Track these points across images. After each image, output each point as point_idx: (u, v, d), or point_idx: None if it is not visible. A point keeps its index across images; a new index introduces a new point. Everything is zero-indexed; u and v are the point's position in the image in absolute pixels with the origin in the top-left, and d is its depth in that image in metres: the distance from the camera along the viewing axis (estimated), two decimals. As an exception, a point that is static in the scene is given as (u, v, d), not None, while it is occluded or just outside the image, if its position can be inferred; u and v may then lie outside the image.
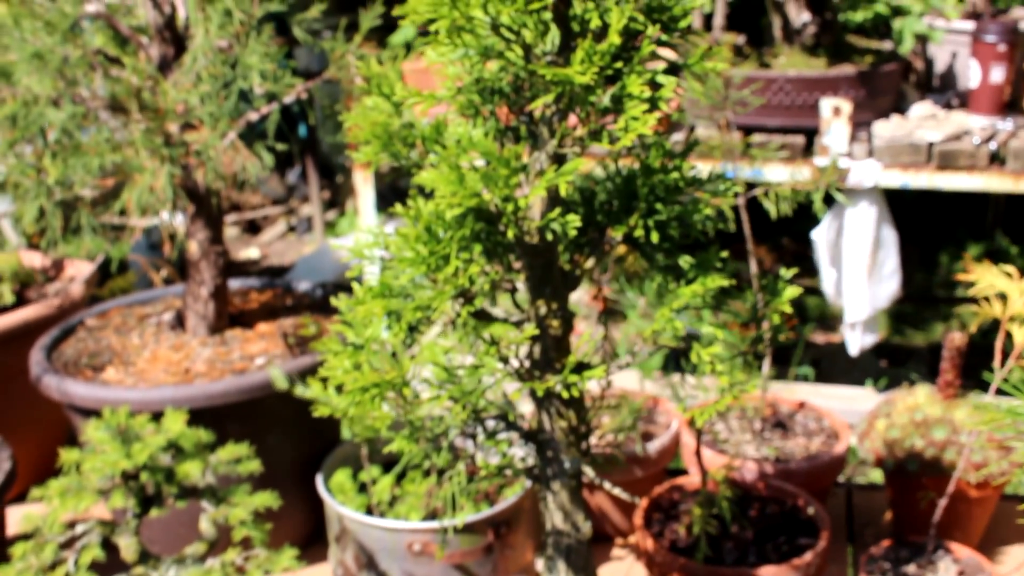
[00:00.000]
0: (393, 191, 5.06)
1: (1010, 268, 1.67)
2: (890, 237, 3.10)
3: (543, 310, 1.20)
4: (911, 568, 1.67)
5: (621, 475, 1.94)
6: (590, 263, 1.22)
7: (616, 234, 1.16)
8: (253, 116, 1.94)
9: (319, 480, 1.87)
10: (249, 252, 5.20)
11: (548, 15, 1.06)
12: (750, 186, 1.93)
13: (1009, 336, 1.65)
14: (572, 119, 1.08)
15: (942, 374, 1.86)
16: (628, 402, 2.00)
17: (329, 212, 5.41)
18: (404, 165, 1.17)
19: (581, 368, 1.18)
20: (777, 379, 3.54)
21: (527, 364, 1.22)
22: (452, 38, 1.03)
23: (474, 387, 1.15)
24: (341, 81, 1.87)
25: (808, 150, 3.13)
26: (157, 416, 1.61)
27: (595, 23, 0.99)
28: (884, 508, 2.09)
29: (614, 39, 0.95)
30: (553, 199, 1.14)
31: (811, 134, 3.12)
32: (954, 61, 3.36)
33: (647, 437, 2.03)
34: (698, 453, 1.67)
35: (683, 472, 2.15)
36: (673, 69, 1.06)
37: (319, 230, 5.19)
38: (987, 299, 1.67)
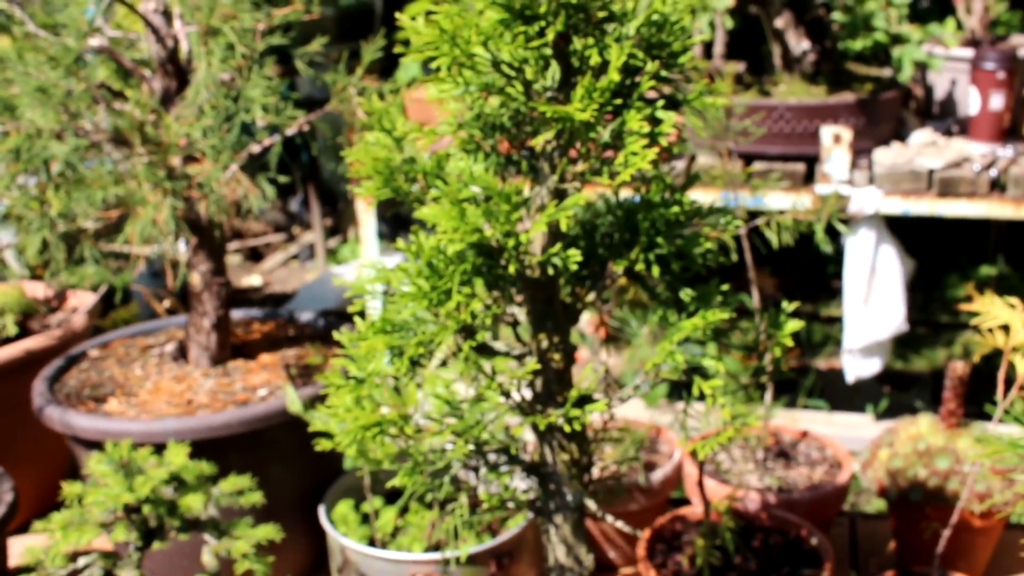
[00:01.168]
0: (396, 219, 5.07)
1: (1014, 299, 1.68)
2: (893, 266, 3.10)
3: (545, 343, 1.20)
4: (915, 599, 1.67)
5: (624, 505, 1.94)
6: (591, 296, 1.22)
7: (617, 268, 1.16)
8: (255, 148, 1.95)
9: (321, 511, 1.87)
10: (251, 280, 5.21)
11: (548, 51, 1.06)
12: (752, 215, 1.94)
13: (1011, 366, 1.65)
14: (573, 153, 1.09)
15: (945, 403, 1.86)
16: (631, 432, 2.00)
17: (331, 239, 5.42)
18: (406, 200, 1.17)
19: (583, 401, 1.18)
20: (787, 407, 3.54)
21: (529, 397, 1.22)
22: (453, 75, 1.03)
23: (476, 421, 1.15)
24: (343, 113, 1.88)
25: (809, 178, 3.14)
26: (160, 448, 1.61)
27: (595, 60, 0.99)
28: (888, 537, 2.08)
29: (614, 76, 0.96)
30: (554, 233, 1.14)
31: (812, 162, 3.13)
32: (954, 88, 3.38)
33: (650, 467, 2.03)
34: (700, 484, 1.67)
35: (686, 502, 2.14)
36: (673, 103, 1.06)
37: (321, 257, 5.21)
38: (990, 329, 1.67)
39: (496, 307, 1.18)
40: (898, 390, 4.14)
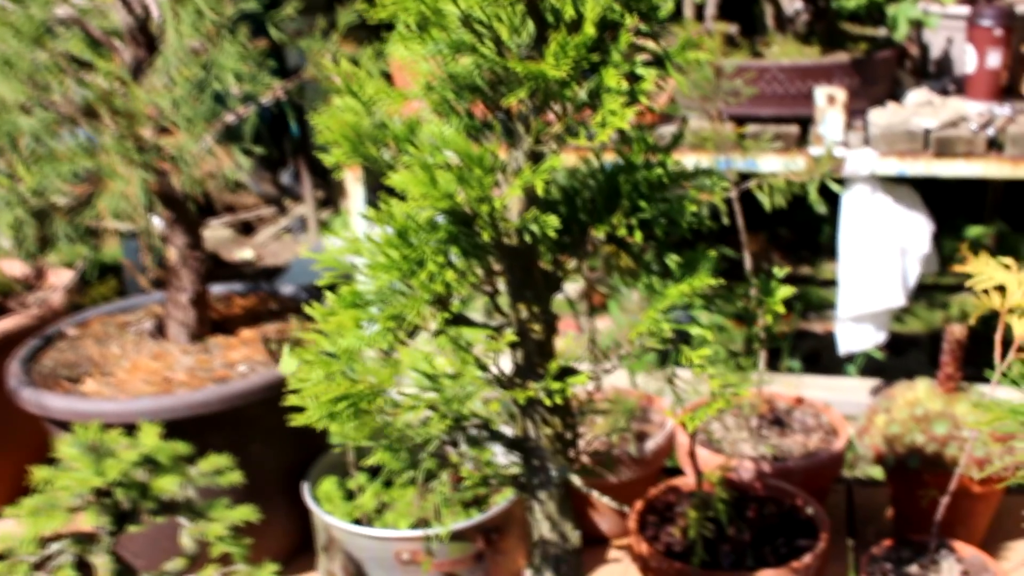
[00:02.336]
0: (386, 189, 5.01)
1: (1008, 259, 1.63)
2: (893, 233, 3.02)
3: (524, 313, 1.15)
4: (914, 568, 1.63)
5: (616, 476, 1.89)
6: (573, 263, 1.17)
7: (599, 233, 1.11)
8: (230, 118, 1.89)
9: (305, 488, 1.83)
10: (243, 253, 5.16)
11: (521, 7, 1.01)
12: (744, 177, 1.88)
13: (1008, 328, 1.61)
14: (549, 114, 1.04)
15: (942, 367, 1.82)
16: (622, 402, 1.96)
17: (323, 211, 5.37)
18: (377, 167, 1.12)
19: (565, 374, 1.13)
20: (769, 371, 3.49)
21: (509, 370, 1.17)
22: (421, 33, 0.98)
23: (454, 395, 1.10)
24: (319, 81, 1.82)
25: (803, 139, 3.08)
26: (135, 428, 1.56)
27: (569, 14, 0.94)
28: (885, 505, 2.04)
29: (588, 30, 0.91)
30: (531, 198, 1.09)
31: (805, 123, 3.07)
32: (950, 47, 3.32)
33: (641, 437, 1.99)
34: (692, 454, 1.62)
35: (680, 471, 2.10)
36: (655, 59, 1.01)
37: (313, 230, 5.15)
38: (986, 291, 1.62)
39: (472, 277, 1.12)
40: (895, 354, 4.10)
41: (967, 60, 3.10)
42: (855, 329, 3.16)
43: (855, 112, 3.07)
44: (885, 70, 3.13)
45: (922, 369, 4.36)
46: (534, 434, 1.22)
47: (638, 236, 1.07)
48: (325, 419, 1.05)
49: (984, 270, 1.61)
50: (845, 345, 3.16)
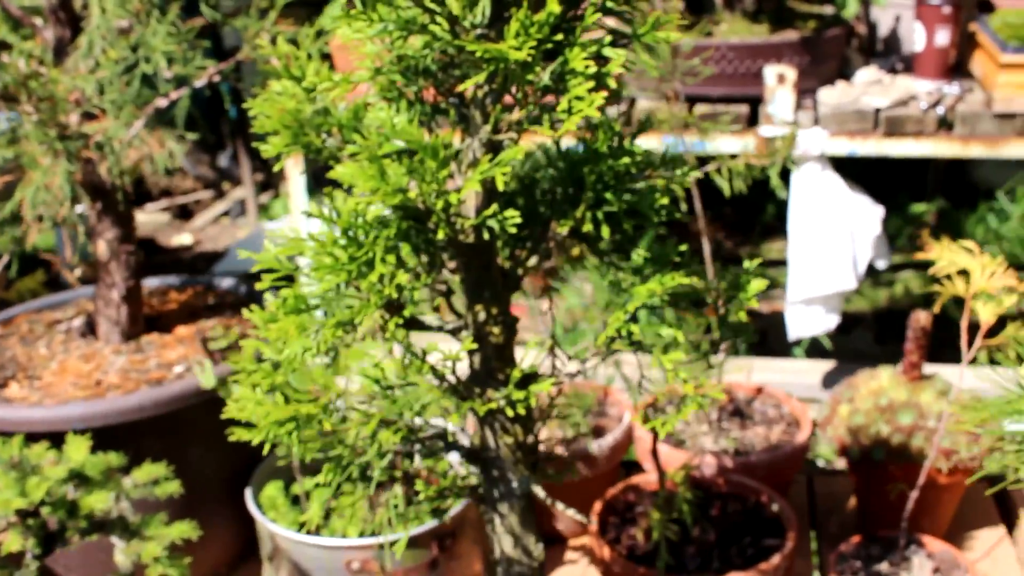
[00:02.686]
0: (328, 172, 4.88)
1: (969, 243, 1.58)
2: (844, 215, 2.97)
3: (482, 315, 1.07)
4: (884, 566, 1.58)
5: (572, 475, 1.82)
6: (533, 260, 1.09)
7: (562, 229, 1.03)
8: (162, 102, 1.78)
9: (248, 495, 1.73)
10: (181, 239, 5.01)
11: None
12: (702, 161, 1.82)
13: (973, 313, 1.56)
14: (508, 99, 0.95)
15: (906, 355, 1.77)
16: (578, 397, 1.89)
17: (263, 195, 5.22)
18: (320, 157, 1.03)
19: (527, 380, 1.05)
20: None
21: (467, 377, 1.09)
22: (366, 11, 0.89)
23: (407, 405, 1.02)
24: (256, 62, 1.71)
25: (753, 119, 3.03)
26: (63, 437, 1.46)
27: (531, -11, 0.85)
28: (847, 494, 2.00)
29: (553, 7, 0.82)
30: (489, 191, 1.01)
31: (755, 103, 3.02)
32: (898, 25, 3.28)
33: (598, 432, 1.92)
34: (655, 453, 1.56)
35: (636, 465, 2.03)
36: (617, 40, 0.93)
37: (253, 214, 5.01)
38: (948, 276, 1.57)
39: (426, 277, 1.04)
40: (840, 333, 4.07)
41: (916, 38, 3.06)
42: (806, 313, 3.12)
43: (805, 91, 3.02)
44: (834, 48, 3.08)
45: (868, 348, 4.35)
46: (493, 443, 1.14)
47: (605, 232, 0.99)
48: (268, 441, 0.96)
49: (947, 255, 1.56)
50: (796, 330, 3.10)
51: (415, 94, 1.02)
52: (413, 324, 1.04)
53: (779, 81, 2.95)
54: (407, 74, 1.01)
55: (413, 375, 1.02)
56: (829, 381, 3.27)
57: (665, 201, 0.99)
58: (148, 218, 5.05)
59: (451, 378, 1.05)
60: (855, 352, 4.25)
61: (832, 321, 3.15)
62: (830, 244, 3.00)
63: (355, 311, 0.94)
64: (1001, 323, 1.57)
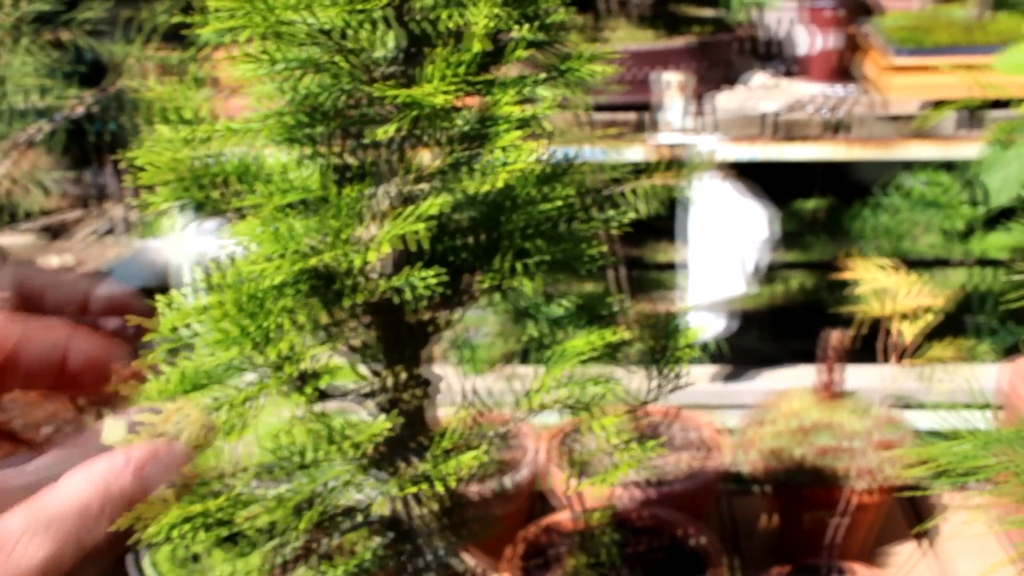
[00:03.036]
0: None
1: (885, 260, 1.54)
2: (735, 221, 2.95)
3: (398, 378, 0.97)
4: (812, 599, 1.53)
5: (481, 511, 1.73)
6: (448, 315, 0.99)
7: (483, 283, 0.93)
8: (24, 136, 1.62)
9: (130, 560, 1.59)
10: (52, 260, 4.75)
11: (386, 12, 0.82)
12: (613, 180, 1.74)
13: (893, 333, 1.52)
14: (425, 143, 0.85)
15: (820, 375, 1.72)
16: (485, 431, 1.79)
17: (141, 210, 4.99)
18: (213, 210, 0.91)
19: (452, 451, 0.96)
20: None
21: (385, 445, 0.99)
22: (263, 50, 0.78)
23: (319, 489, 0.91)
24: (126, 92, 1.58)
25: (646, 127, 2.98)
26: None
27: (450, 24, 0.76)
28: (765, 513, 1.95)
29: (479, 45, 0.73)
30: (403, 243, 0.90)
31: (647, 110, 2.97)
32: (787, 28, 3.27)
33: (506, 466, 1.83)
34: (567, 499, 1.47)
35: (547, 499, 1.95)
36: (547, 76, 0.84)
37: (131, 231, 4.79)
38: (862, 298, 1.53)
39: (338, 340, 0.94)
40: (734, 333, 4.08)
41: (804, 42, 3.06)
42: (704, 318, 3.10)
43: (696, 97, 2.98)
44: (725, 53, 3.06)
45: (758, 347, 4.38)
46: (409, 514, 1.04)
47: (528, 287, 0.90)
48: (165, 543, 0.85)
49: (868, 273, 1.52)
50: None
51: (317, 138, 0.91)
52: (326, 395, 0.93)
53: (671, 88, 2.90)
54: (306, 115, 0.91)
55: (325, 449, 0.92)
56: (728, 383, 3.26)
57: (595, 252, 0.91)
58: (17, 240, 4.78)
59: (369, 451, 0.95)
60: (749, 352, 4.26)
61: (727, 325, 3.14)
62: (722, 250, 2.98)
63: (254, 391, 0.83)
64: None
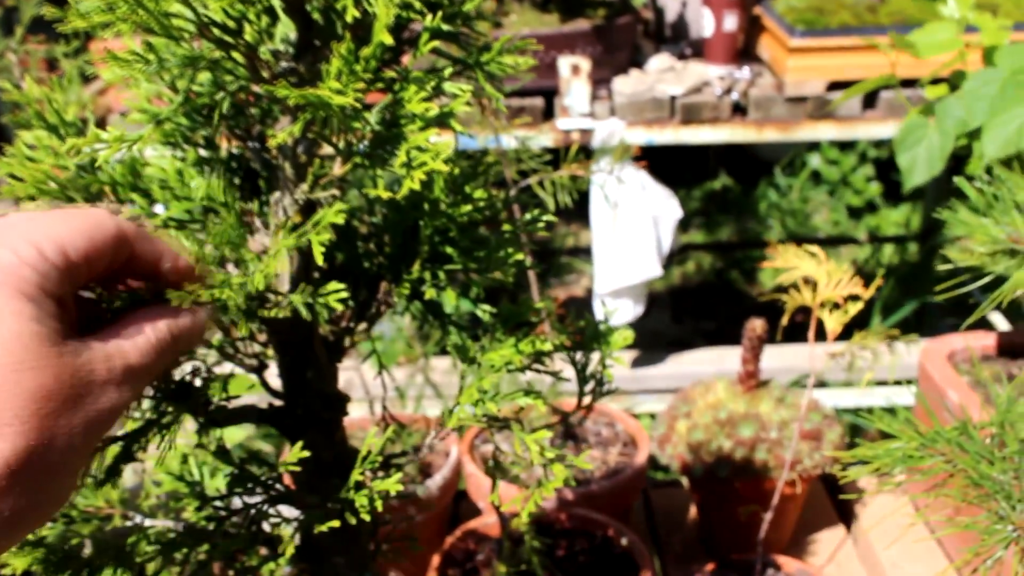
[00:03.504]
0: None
1: (814, 248, 1.51)
2: (643, 203, 2.92)
3: (306, 398, 0.89)
4: (743, 596, 1.50)
5: (400, 520, 1.66)
6: (362, 326, 0.92)
7: (402, 293, 0.86)
8: None
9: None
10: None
11: (275, 1, 0.74)
12: (520, 174, 1.68)
13: (820, 323, 1.49)
14: (326, 147, 0.78)
15: (743, 364, 1.69)
16: (402, 436, 1.73)
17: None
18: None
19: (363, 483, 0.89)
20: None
21: (295, 477, 0.91)
22: (148, 46, 0.69)
23: (220, 524, 0.84)
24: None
25: (549, 112, 2.93)
26: None
27: (351, 14, 0.68)
28: (685, 508, 1.92)
29: (383, 37, 0.66)
30: (305, 255, 0.83)
31: (550, 95, 2.92)
32: (685, 10, 3.25)
33: (425, 470, 1.76)
34: (494, 498, 1.41)
35: (465, 497, 1.89)
36: (458, 70, 0.77)
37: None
38: (794, 286, 1.50)
39: (237, 361, 0.86)
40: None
41: (704, 24, 3.03)
42: (613, 304, 3.07)
43: (599, 81, 2.95)
44: (625, 37, 3.02)
45: (667, 329, 4.38)
46: (321, 537, 0.96)
47: (451, 298, 0.84)
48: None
49: (792, 262, 1.49)
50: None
51: (209, 141, 0.83)
52: (227, 417, 0.85)
53: (573, 72, 2.86)
54: (191, 116, 0.83)
55: (236, 483, 0.84)
56: (638, 368, 3.24)
57: (520, 256, 0.85)
58: None
59: (283, 481, 0.88)
60: (653, 333, 4.26)
61: (639, 309, 3.12)
62: (634, 234, 2.95)
63: (142, 427, 0.75)
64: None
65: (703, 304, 4.58)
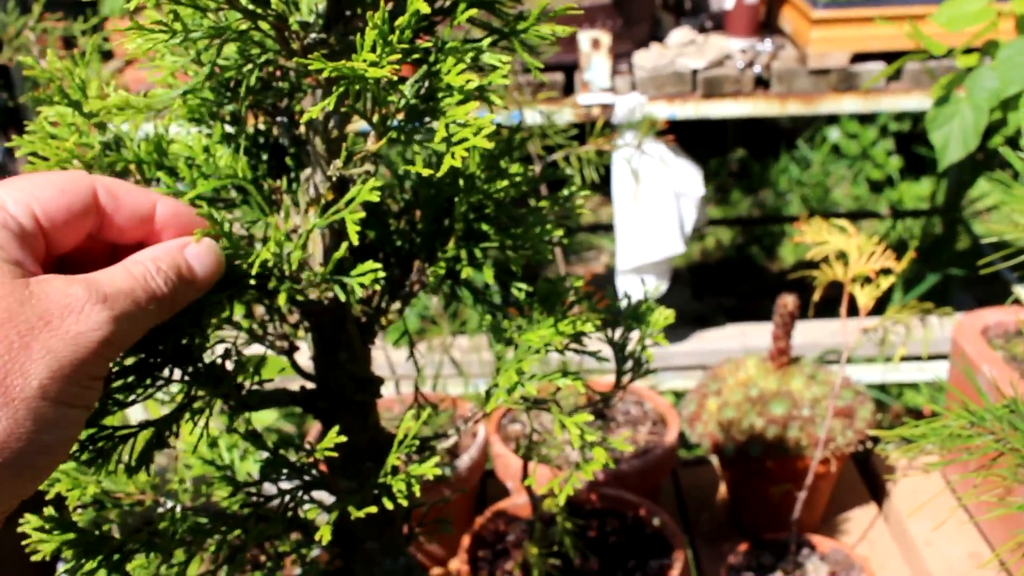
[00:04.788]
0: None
1: (843, 222, 1.48)
2: (668, 180, 2.88)
3: (338, 380, 0.87)
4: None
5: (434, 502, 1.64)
6: (396, 306, 0.89)
7: (436, 272, 0.84)
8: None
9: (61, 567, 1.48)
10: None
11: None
12: (546, 149, 1.65)
13: (852, 299, 1.46)
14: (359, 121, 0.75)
15: (774, 341, 1.67)
16: (431, 418, 1.71)
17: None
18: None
19: (404, 461, 0.86)
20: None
21: (328, 463, 0.89)
22: (165, 18, 0.67)
23: (262, 511, 0.82)
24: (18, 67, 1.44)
25: (569, 88, 2.90)
26: None
27: (385, -19, 0.66)
28: (714, 485, 1.90)
29: (419, 5, 0.63)
30: (337, 232, 0.80)
31: (570, 70, 2.89)
32: (707, -19, 3.21)
33: (452, 450, 1.74)
34: (525, 477, 1.39)
35: (491, 476, 1.88)
36: (496, 39, 0.74)
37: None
38: (824, 260, 1.47)
39: (266, 339, 0.84)
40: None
41: (726, -5, 2.99)
42: (636, 282, 3.04)
43: (620, 55, 2.91)
44: (645, 10, 2.98)
45: (688, 305, 4.35)
46: (357, 526, 0.94)
47: (489, 276, 0.81)
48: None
49: (822, 236, 1.46)
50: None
51: (237, 116, 0.81)
52: (261, 400, 0.83)
53: (594, 46, 2.82)
54: (217, 90, 0.80)
55: (262, 466, 0.82)
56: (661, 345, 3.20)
57: (560, 233, 0.82)
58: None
59: (318, 469, 0.86)
60: (674, 309, 4.23)
61: (663, 287, 3.08)
62: (657, 210, 2.91)
63: (177, 395, 0.73)
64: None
65: (724, 280, 4.55)
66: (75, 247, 0.59)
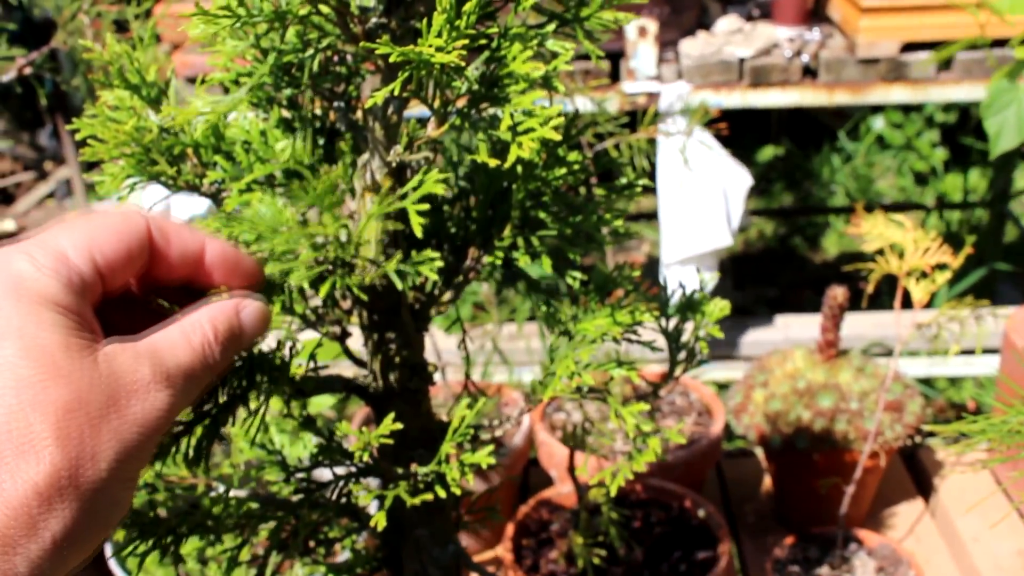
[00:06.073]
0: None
1: (901, 217, 1.46)
2: (716, 171, 2.85)
3: (390, 366, 0.87)
4: (824, 571, 1.46)
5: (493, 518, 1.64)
6: (448, 295, 0.89)
7: (491, 260, 0.83)
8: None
9: (109, 550, 1.49)
10: (4, 225, 4.57)
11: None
12: (597, 136, 1.64)
13: (906, 293, 1.44)
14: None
15: (823, 333, 1.65)
16: (477, 405, 1.70)
17: (91, 172, 4.80)
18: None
19: (458, 447, 0.86)
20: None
21: (380, 449, 0.89)
22: (232, 4, 0.66)
23: (313, 499, 0.82)
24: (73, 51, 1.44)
25: (614, 75, 2.88)
26: None
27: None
28: (758, 477, 1.88)
29: (485, -10, 0.62)
30: (394, 220, 0.80)
31: (616, 58, 2.87)
32: (754, -31, 3.17)
33: (497, 438, 1.74)
34: (572, 469, 1.39)
35: (535, 464, 1.87)
36: (558, 26, 0.73)
37: (80, 193, 4.60)
38: (880, 251, 1.45)
39: (324, 328, 0.84)
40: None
41: (774, -17, 2.96)
42: (682, 273, 3.01)
43: (666, 43, 2.88)
44: (693, -3, 2.96)
45: (729, 296, 4.31)
46: (406, 514, 0.94)
47: (547, 266, 0.81)
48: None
49: (877, 229, 1.44)
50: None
51: (289, 100, 0.80)
52: (317, 386, 0.83)
53: (640, 34, 2.80)
54: (276, 75, 0.80)
55: (311, 451, 0.82)
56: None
57: (619, 223, 0.81)
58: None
59: (371, 455, 0.85)
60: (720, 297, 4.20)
61: (715, 278, 3.06)
62: (704, 201, 2.89)
63: (231, 381, 0.73)
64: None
65: (765, 271, 4.51)
66: (124, 286, 0.59)
